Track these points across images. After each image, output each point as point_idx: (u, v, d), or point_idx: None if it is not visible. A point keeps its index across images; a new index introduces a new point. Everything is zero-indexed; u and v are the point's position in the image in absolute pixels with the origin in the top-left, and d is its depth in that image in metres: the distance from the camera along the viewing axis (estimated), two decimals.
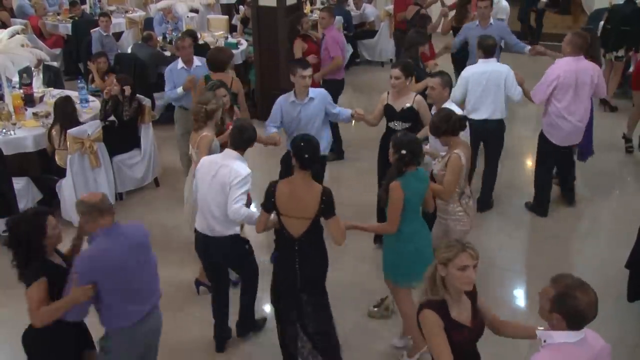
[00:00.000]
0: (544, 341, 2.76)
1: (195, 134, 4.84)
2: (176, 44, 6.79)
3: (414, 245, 4.10)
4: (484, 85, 5.90)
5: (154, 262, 3.67)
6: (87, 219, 3.39)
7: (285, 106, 5.39)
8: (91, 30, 9.83)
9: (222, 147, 4.66)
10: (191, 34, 8.85)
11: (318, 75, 7.25)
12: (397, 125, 5.34)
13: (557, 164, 6.42)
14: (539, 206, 6.38)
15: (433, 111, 5.11)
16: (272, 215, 3.97)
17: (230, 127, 4.85)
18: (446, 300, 2.97)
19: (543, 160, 6.30)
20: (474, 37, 6.77)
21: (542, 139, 6.19)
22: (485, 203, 6.38)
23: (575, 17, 13.28)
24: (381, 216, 5.20)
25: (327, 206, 3.80)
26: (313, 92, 5.38)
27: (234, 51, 9.15)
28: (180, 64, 6.62)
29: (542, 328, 2.89)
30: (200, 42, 9.16)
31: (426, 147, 4.78)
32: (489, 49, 5.98)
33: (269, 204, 3.88)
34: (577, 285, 2.71)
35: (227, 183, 4.13)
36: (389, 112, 5.40)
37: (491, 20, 7.35)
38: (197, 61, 6.68)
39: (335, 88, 7.47)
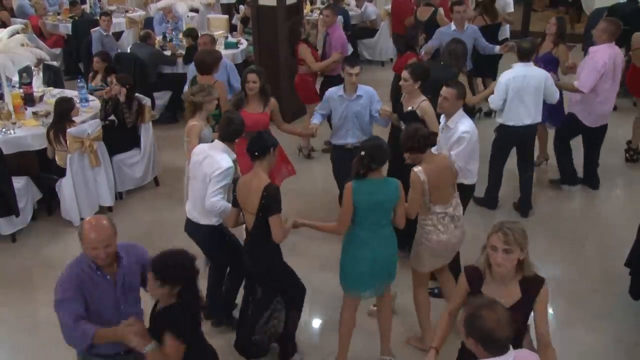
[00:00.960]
0: None
1: (187, 123, 5.01)
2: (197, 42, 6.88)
3: (366, 252, 3.97)
4: (523, 90, 5.81)
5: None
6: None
7: (333, 99, 5.54)
8: (91, 30, 9.83)
9: None
10: (192, 34, 8.87)
11: (321, 65, 7.44)
12: (403, 126, 5.28)
13: (586, 145, 6.64)
14: (570, 178, 6.69)
15: (442, 120, 4.99)
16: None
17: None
18: (483, 274, 3.09)
19: (567, 137, 6.58)
20: (445, 42, 6.73)
21: (573, 122, 6.34)
22: (527, 206, 6.37)
23: (571, 17, 13.26)
24: None
25: (267, 202, 3.84)
26: (362, 89, 5.48)
27: (234, 51, 9.18)
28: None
29: None
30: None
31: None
32: (526, 53, 5.87)
33: (233, 199, 4.08)
34: (484, 305, 2.64)
35: (208, 174, 4.26)
36: (399, 112, 5.44)
37: (466, 25, 7.41)
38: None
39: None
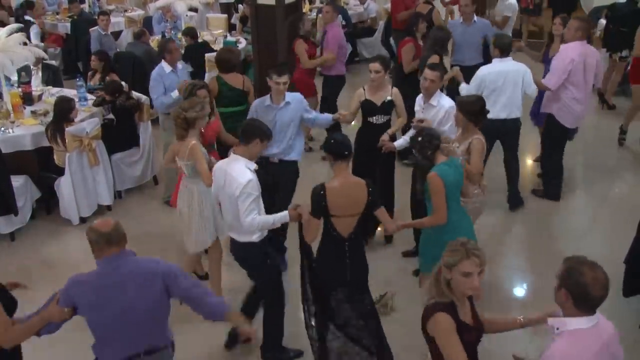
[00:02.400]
0: (557, 329, 2.68)
1: (179, 142, 4.67)
2: (168, 46, 6.42)
3: (458, 234, 4.05)
4: (500, 85, 5.90)
5: (160, 308, 3.23)
6: (94, 248, 3.11)
7: (260, 110, 5.25)
8: (90, 29, 9.83)
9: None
10: (191, 33, 8.88)
11: (313, 63, 7.47)
12: (378, 119, 5.46)
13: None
14: (554, 190, 6.55)
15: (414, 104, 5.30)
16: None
17: (209, 127, 4.85)
18: (454, 302, 2.91)
19: (555, 144, 6.46)
20: (457, 35, 6.99)
21: (553, 125, 6.29)
22: (517, 200, 6.42)
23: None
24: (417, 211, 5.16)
25: (374, 198, 3.85)
26: (289, 96, 5.26)
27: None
28: (167, 67, 6.32)
29: (520, 318, 2.99)
30: (199, 40, 9.17)
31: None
32: (505, 48, 5.98)
33: (320, 209, 3.81)
34: (586, 263, 2.67)
35: (233, 195, 4.00)
36: (368, 107, 5.46)
37: (474, 18, 7.46)
38: (179, 64, 6.57)
39: (336, 84, 7.48)
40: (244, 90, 6.02)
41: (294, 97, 5.31)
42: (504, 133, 6.10)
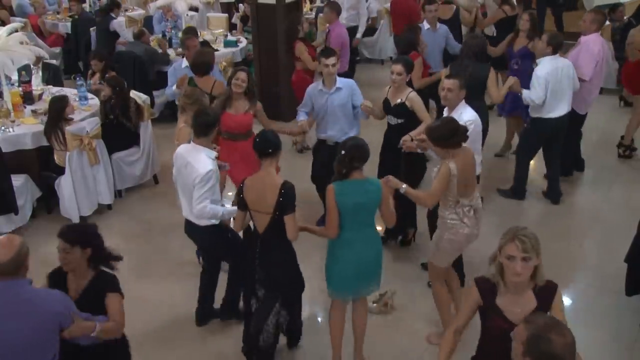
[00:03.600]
0: None
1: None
2: (184, 43, 6.98)
3: (351, 254, 3.94)
4: (560, 82, 5.95)
5: (45, 346, 3.02)
6: None
7: (314, 94, 5.54)
8: (91, 29, 9.83)
9: None
10: (192, 32, 8.87)
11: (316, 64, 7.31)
12: (392, 120, 5.46)
13: (570, 136, 6.64)
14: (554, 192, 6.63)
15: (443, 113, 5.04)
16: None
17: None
18: (497, 285, 2.95)
19: (577, 134, 6.72)
20: (426, 41, 6.91)
21: (573, 115, 6.34)
22: (558, 193, 6.52)
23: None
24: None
25: (285, 201, 3.82)
26: (341, 82, 5.49)
27: (233, 49, 9.19)
28: (184, 63, 6.73)
29: None
30: (200, 40, 9.16)
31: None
32: (559, 45, 6.00)
33: (239, 201, 3.99)
34: (552, 327, 2.46)
35: (190, 183, 4.21)
36: (385, 106, 5.49)
37: (437, 25, 7.46)
38: (184, 62, 6.84)
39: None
40: (212, 95, 5.95)
41: (346, 83, 5.53)
42: (560, 129, 6.20)
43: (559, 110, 6.05)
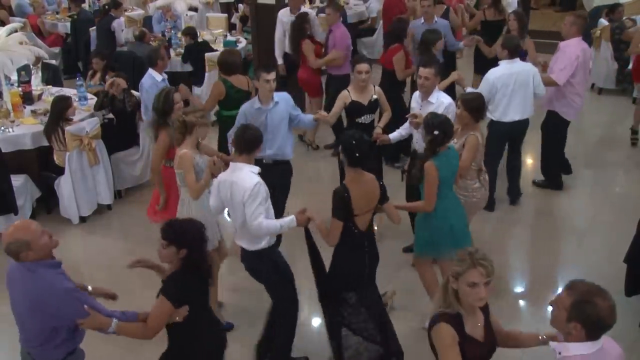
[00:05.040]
0: (559, 353, 2.62)
1: (177, 148, 4.51)
2: (161, 53, 6.36)
3: (448, 221, 4.34)
4: (512, 87, 5.86)
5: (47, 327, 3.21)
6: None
7: (250, 113, 5.14)
8: (90, 29, 9.83)
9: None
10: (190, 32, 8.88)
11: (319, 62, 7.47)
12: (366, 119, 5.54)
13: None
14: (555, 180, 6.72)
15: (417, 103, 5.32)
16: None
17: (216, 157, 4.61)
18: (461, 314, 2.86)
19: (559, 138, 6.61)
20: (419, 35, 6.95)
21: (557, 120, 6.36)
22: (517, 194, 6.52)
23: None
24: (410, 195, 5.42)
25: (385, 191, 4.00)
26: (277, 96, 5.19)
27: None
28: (158, 76, 6.23)
29: (545, 336, 2.91)
30: (200, 40, 9.17)
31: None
32: (514, 49, 5.94)
33: (345, 211, 3.82)
34: (596, 292, 2.59)
35: (240, 203, 3.90)
36: (356, 108, 5.49)
37: (435, 19, 7.47)
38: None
39: (340, 83, 7.43)
40: (250, 92, 5.99)
41: (282, 97, 5.25)
42: (517, 134, 6.17)
43: (512, 115, 5.94)
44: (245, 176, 3.92)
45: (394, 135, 5.41)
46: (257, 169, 4.02)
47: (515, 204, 6.43)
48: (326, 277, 4.14)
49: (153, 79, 6.20)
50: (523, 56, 6.71)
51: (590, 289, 2.60)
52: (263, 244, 4.05)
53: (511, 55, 5.91)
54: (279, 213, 4.93)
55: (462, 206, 4.57)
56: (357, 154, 3.83)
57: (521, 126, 6.08)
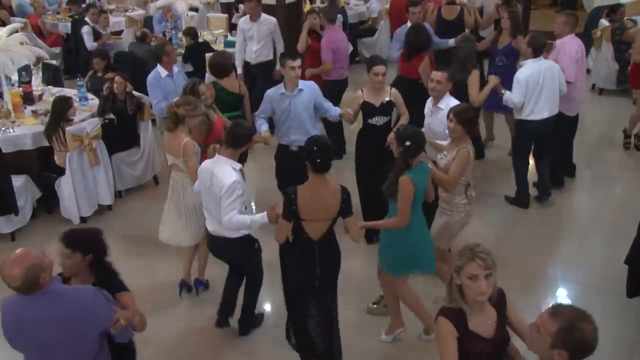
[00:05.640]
0: None
1: (168, 133, 4.82)
2: (166, 49, 6.47)
3: (420, 235, 4.25)
4: (541, 85, 5.93)
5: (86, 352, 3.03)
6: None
7: (275, 98, 5.38)
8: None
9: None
10: (191, 33, 8.87)
11: (307, 73, 7.23)
12: (378, 120, 5.48)
13: (562, 141, 6.71)
14: (556, 178, 6.72)
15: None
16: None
17: (220, 122, 4.91)
18: (464, 310, 2.85)
19: (561, 135, 6.61)
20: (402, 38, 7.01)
21: (558, 117, 6.33)
22: (547, 193, 6.52)
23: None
24: (369, 211, 5.51)
25: (347, 205, 3.85)
26: (302, 84, 5.39)
27: (233, 50, 9.15)
28: (163, 71, 6.39)
29: None
30: (200, 40, 9.17)
31: (437, 142, 4.93)
32: (540, 49, 5.99)
33: (290, 213, 3.81)
34: (582, 317, 2.52)
35: (217, 195, 4.16)
36: (368, 109, 5.49)
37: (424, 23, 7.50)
38: (175, 67, 6.59)
39: (336, 89, 7.43)
40: (241, 95, 5.99)
41: (307, 85, 5.45)
42: (546, 131, 6.19)
43: (542, 112, 6.02)
44: (225, 171, 4.14)
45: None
46: (239, 165, 4.26)
47: (543, 202, 6.47)
48: (283, 277, 4.34)
49: (157, 73, 6.40)
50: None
51: (577, 315, 2.52)
52: (238, 233, 4.30)
53: (536, 54, 5.97)
54: None
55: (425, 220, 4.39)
56: (319, 160, 3.75)
57: (549, 123, 6.14)
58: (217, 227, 4.35)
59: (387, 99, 5.44)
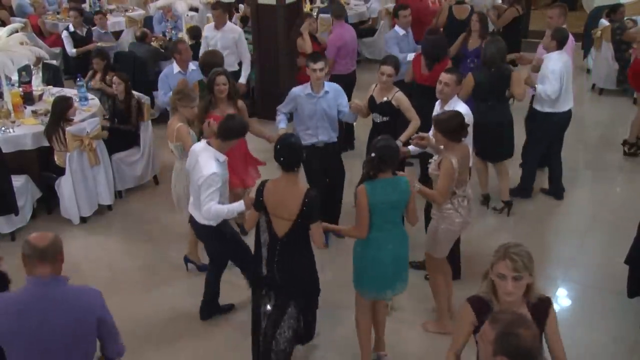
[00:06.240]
0: None
1: (168, 123, 5.19)
2: (178, 47, 6.61)
3: (376, 251, 3.96)
4: (566, 77, 6.03)
5: (87, 344, 3.01)
6: (25, 262, 2.94)
7: (301, 98, 5.47)
8: (91, 28, 9.82)
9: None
10: (193, 32, 8.87)
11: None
12: (377, 117, 5.58)
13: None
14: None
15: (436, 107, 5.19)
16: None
17: (211, 119, 5.01)
18: (491, 303, 2.85)
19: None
20: (405, 44, 7.07)
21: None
22: (560, 190, 6.58)
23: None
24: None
25: (309, 210, 3.75)
26: (328, 86, 5.51)
27: None
28: (176, 68, 6.56)
29: None
30: (202, 40, 9.16)
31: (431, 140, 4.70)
32: (563, 41, 6.05)
33: (258, 203, 3.88)
34: (518, 322, 2.46)
35: (195, 181, 4.30)
36: (371, 104, 5.59)
37: (409, 29, 7.52)
38: (192, 65, 6.67)
39: (344, 83, 7.44)
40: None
41: (332, 87, 5.54)
42: (567, 123, 6.29)
43: (569, 103, 6.19)
44: (207, 161, 4.24)
45: (414, 148, 5.14)
46: (223, 157, 4.33)
47: (562, 198, 6.54)
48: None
49: (170, 69, 6.64)
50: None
51: (513, 320, 2.47)
52: (212, 222, 4.39)
53: (560, 46, 6.01)
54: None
55: (402, 245, 4.09)
56: (282, 159, 3.79)
57: (571, 115, 6.26)
58: (192, 208, 4.53)
59: (386, 99, 5.46)
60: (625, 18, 9.32)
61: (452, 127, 4.26)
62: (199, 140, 4.83)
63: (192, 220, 4.64)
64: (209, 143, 4.37)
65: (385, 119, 5.54)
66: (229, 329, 4.82)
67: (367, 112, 5.67)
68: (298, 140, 3.98)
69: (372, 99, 5.58)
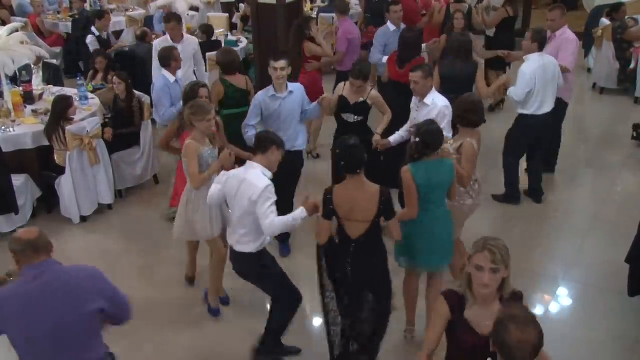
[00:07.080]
0: None
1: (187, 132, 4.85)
2: (174, 54, 6.18)
3: (421, 230, 4.14)
4: (544, 79, 5.96)
5: (93, 321, 3.06)
6: (19, 258, 2.99)
7: (265, 101, 5.29)
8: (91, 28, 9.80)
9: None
10: (204, 29, 8.94)
11: (309, 67, 7.20)
12: (350, 117, 5.54)
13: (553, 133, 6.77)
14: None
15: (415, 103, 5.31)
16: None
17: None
18: (466, 297, 2.86)
19: (561, 121, 6.82)
20: (393, 41, 6.97)
21: (562, 104, 6.47)
22: (539, 193, 6.54)
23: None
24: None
25: (386, 208, 3.80)
26: (292, 86, 5.36)
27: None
28: (171, 77, 6.14)
29: None
30: (213, 39, 9.19)
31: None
32: (544, 42, 6.03)
33: (328, 212, 3.83)
34: (518, 319, 2.41)
35: (250, 200, 3.94)
36: (342, 104, 5.52)
37: (402, 25, 7.46)
38: (179, 72, 6.33)
39: (344, 78, 7.44)
40: (247, 91, 6.00)
41: (296, 87, 5.42)
42: (545, 128, 6.24)
43: (546, 107, 6.07)
44: (257, 176, 3.97)
45: (395, 138, 5.38)
46: (269, 173, 4.05)
47: (540, 202, 6.49)
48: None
49: (166, 79, 6.10)
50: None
51: (515, 315, 2.44)
52: (252, 247, 4.08)
53: (540, 48, 5.98)
54: (287, 202, 5.33)
55: (448, 223, 4.31)
56: (342, 162, 3.80)
57: (549, 120, 6.18)
58: (233, 240, 4.17)
59: (363, 99, 5.44)
60: (626, 17, 9.31)
61: (468, 117, 4.56)
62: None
63: (232, 254, 4.24)
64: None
65: (358, 118, 5.51)
66: (232, 329, 4.81)
67: (333, 112, 5.61)
68: (357, 141, 3.90)
69: (343, 99, 5.49)
